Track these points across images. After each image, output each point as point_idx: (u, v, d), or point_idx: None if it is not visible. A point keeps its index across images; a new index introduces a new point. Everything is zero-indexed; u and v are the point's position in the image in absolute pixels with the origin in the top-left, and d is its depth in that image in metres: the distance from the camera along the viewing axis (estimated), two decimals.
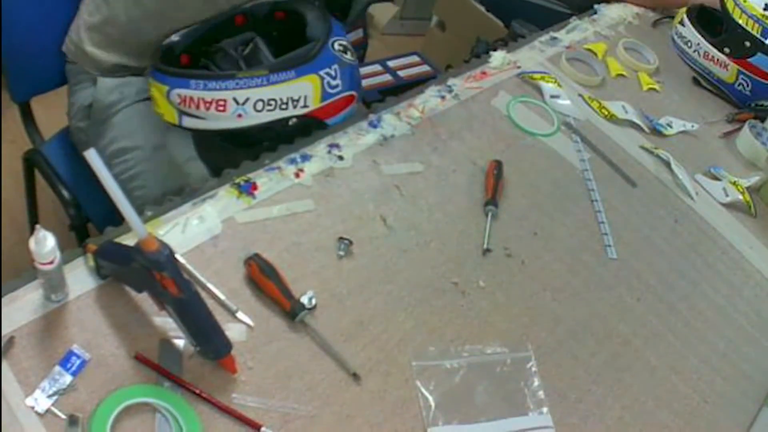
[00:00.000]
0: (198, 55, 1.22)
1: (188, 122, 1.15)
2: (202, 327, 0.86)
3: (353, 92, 1.21)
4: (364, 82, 1.96)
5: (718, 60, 1.66)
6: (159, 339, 0.90)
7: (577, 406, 1.01)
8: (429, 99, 1.37)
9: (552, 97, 1.47)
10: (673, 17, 1.83)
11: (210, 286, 0.97)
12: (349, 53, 1.19)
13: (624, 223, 1.29)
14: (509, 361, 1.02)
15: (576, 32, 1.70)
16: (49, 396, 0.81)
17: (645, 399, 1.06)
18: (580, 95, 1.52)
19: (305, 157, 1.18)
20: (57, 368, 0.84)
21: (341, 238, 1.08)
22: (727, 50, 1.64)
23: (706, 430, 1.07)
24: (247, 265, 0.99)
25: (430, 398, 0.96)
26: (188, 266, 0.98)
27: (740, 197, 1.42)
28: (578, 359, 1.07)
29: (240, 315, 0.95)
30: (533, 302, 1.11)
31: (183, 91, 1.12)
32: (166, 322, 0.90)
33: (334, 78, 1.17)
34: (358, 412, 0.92)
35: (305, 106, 1.16)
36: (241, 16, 1.23)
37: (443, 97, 1.38)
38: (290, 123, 1.16)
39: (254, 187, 1.10)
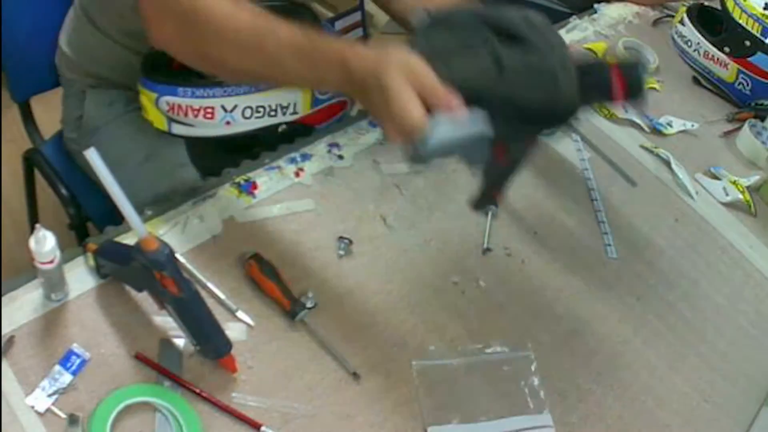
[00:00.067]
0: None
1: (177, 129, 1.14)
2: (202, 326, 0.86)
3: (345, 98, 1.20)
4: None
5: (718, 59, 1.66)
6: (159, 338, 0.90)
7: (577, 405, 1.01)
8: None
9: None
10: (673, 16, 1.83)
11: (210, 285, 0.97)
12: None
13: (624, 223, 1.29)
14: (509, 361, 1.01)
15: (576, 32, 1.70)
16: (49, 395, 0.81)
17: (645, 398, 1.06)
18: None
19: (305, 157, 1.18)
20: (57, 367, 0.84)
21: (341, 238, 1.08)
22: (727, 49, 1.64)
23: (706, 429, 1.07)
24: (247, 265, 0.99)
25: (430, 398, 0.96)
26: (188, 265, 0.98)
27: (740, 196, 1.42)
28: (578, 358, 1.07)
29: (240, 314, 0.95)
30: (533, 302, 1.11)
31: (171, 99, 1.11)
32: (166, 321, 0.90)
33: None
34: (358, 412, 0.92)
35: (295, 112, 1.15)
36: None
37: None
38: (279, 130, 1.16)
39: (254, 186, 1.10)
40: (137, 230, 0.78)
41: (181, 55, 1.00)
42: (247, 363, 0.91)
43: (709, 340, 1.18)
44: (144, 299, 0.90)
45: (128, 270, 0.86)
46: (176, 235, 1.01)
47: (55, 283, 0.88)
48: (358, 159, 1.20)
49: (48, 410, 0.81)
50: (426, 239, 1.13)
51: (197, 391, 0.86)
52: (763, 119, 1.58)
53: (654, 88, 1.63)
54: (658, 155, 1.45)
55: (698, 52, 1.70)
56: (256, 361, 0.92)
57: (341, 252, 1.07)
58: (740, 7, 1.58)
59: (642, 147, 1.46)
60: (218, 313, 0.89)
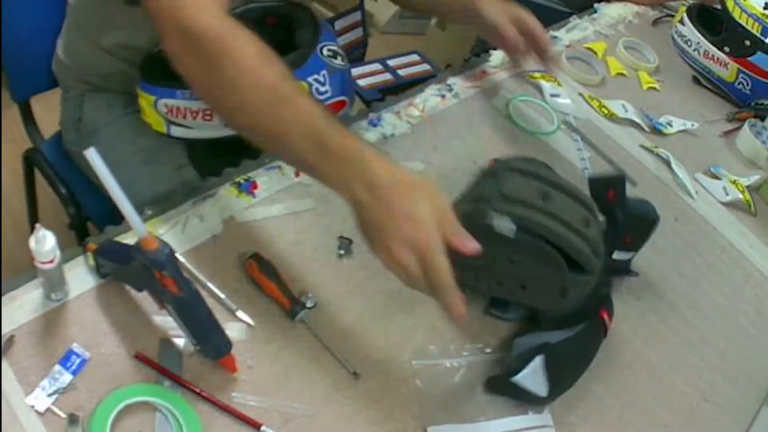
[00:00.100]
0: None
1: (176, 131, 1.14)
2: (202, 326, 0.86)
3: (344, 98, 1.19)
4: (364, 81, 1.95)
5: (718, 59, 1.66)
6: (159, 338, 0.90)
7: (577, 404, 1.01)
8: (429, 98, 1.37)
9: (552, 96, 1.47)
10: (673, 16, 1.83)
11: (210, 285, 0.97)
12: (339, 58, 1.18)
13: None
14: (507, 359, 1.01)
15: (576, 31, 1.70)
16: (49, 395, 0.81)
17: (645, 398, 1.06)
18: (580, 94, 1.52)
19: None
20: (57, 367, 0.84)
21: (341, 237, 1.07)
22: (727, 49, 1.64)
23: (706, 429, 1.07)
24: (247, 264, 0.99)
25: (430, 397, 0.96)
26: (188, 265, 0.98)
27: (740, 196, 1.42)
28: None
29: (240, 314, 0.95)
30: None
31: (170, 101, 1.11)
32: (166, 321, 0.90)
33: (323, 84, 1.16)
34: (358, 411, 0.92)
35: None
36: None
37: (443, 96, 1.38)
38: None
39: (254, 186, 1.10)
40: (137, 230, 0.78)
41: (197, 88, 0.94)
42: (247, 363, 0.91)
43: (709, 340, 1.18)
44: (144, 299, 0.90)
45: (128, 270, 0.86)
46: (176, 235, 1.01)
47: (55, 283, 0.88)
48: None
49: (48, 410, 0.81)
50: None
51: (197, 390, 0.86)
52: (763, 119, 1.58)
53: (654, 88, 1.63)
54: (658, 155, 1.45)
55: (698, 51, 1.70)
56: (256, 361, 0.92)
57: (341, 252, 1.07)
58: (740, 7, 1.58)
59: (642, 146, 1.46)
60: (218, 313, 0.89)
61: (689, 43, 1.72)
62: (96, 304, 0.91)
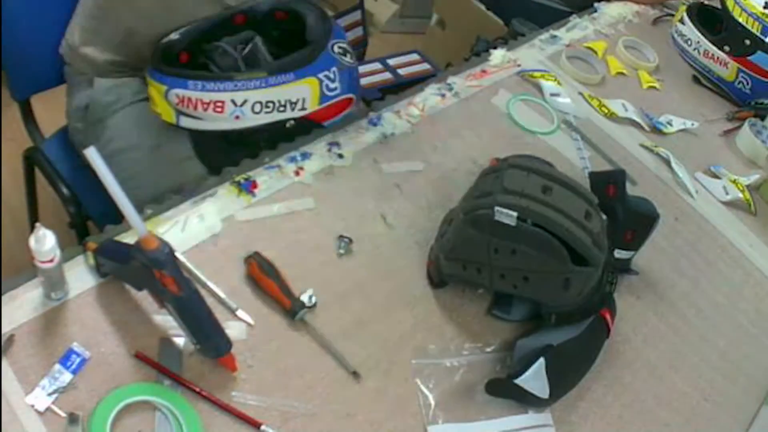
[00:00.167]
0: (197, 53, 1.22)
1: (186, 122, 1.15)
2: (202, 325, 0.86)
3: (352, 95, 1.20)
4: (364, 81, 1.95)
5: (718, 58, 1.66)
6: (159, 337, 0.90)
7: (577, 404, 1.01)
8: (429, 97, 1.37)
9: (552, 95, 1.46)
10: (673, 15, 1.83)
11: (210, 284, 0.97)
12: (348, 56, 1.19)
13: None
14: (509, 360, 1.01)
15: (576, 30, 1.70)
16: (49, 394, 0.81)
17: (645, 397, 1.06)
18: (580, 93, 1.52)
19: (305, 156, 1.17)
20: (57, 366, 0.84)
21: (341, 237, 1.08)
22: (727, 48, 1.64)
23: (706, 428, 1.07)
24: (247, 264, 0.99)
25: (430, 396, 0.96)
26: (188, 264, 0.98)
27: (740, 195, 1.42)
28: None
29: (240, 313, 0.95)
30: None
31: (181, 92, 1.11)
32: (166, 320, 0.90)
33: (333, 81, 1.16)
34: (358, 411, 0.92)
35: (303, 108, 1.15)
36: (241, 15, 1.23)
37: (443, 96, 1.38)
38: (287, 125, 1.16)
39: (254, 185, 1.10)
40: (137, 229, 0.78)
41: None
42: (247, 362, 0.91)
43: (709, 339, 1.18)
44: (144, 298, 0.90)
45: (128, 269, 0.86)
46: (176, 234, 1.01)
47: (55, 282, 0.88)
48: (358, 158, 1.20)
49: (48, 409, 0.81)
50: (426, 238, 1.12)
51: (197, 389, 0.86)
52: (762, 118, 1.58)
53: (654, 87, 1.63)
54: (658, 154, 1.45)
55: (698, 50, 1.70)
56: (256, 360, 0.92)
57: (341, 251, 1.07)
58: (740, 6, 1.58)
59: (642, 146, 1.46)
60: (218, 312, 0.89)
61: (689, 43, 1.72)
62: (96, 304, 0.91)
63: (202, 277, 0.97)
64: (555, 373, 0.94)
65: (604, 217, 1.01)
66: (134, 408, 0.83)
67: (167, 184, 1.17)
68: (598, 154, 1.40)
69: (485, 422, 0.96)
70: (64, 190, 1.42)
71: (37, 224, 0.81)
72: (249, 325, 0.95)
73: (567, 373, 0.98)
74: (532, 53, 1.58)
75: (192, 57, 1.21)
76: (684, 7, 1.77)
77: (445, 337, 1.03)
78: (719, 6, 1.65)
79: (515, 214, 0.92)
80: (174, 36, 1.18)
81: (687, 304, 1.21)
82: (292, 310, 0.96)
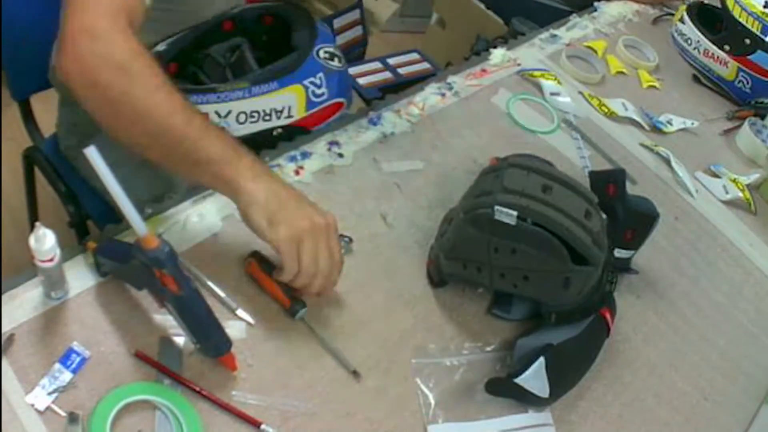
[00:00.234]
0: (186, 62, 1.21)
1: None
2: (202, 324, 0.86)
3: (341, 99, 1.19)
4: (364, 80, 1.95)
5: (718, 57, 1.66)
6: (159, 336, 0.90)
7: (577, 403, 1.01)
8: (429, 96, 1.36)
9: (552, 94, 1.46)
10: (673, 14, 1.83)
11: (210, 283, 0.97)
12: (336, 60, 1.18)
13: None
14: (509, 359, 1.01)
15: (576, 30, 1.70)
16: (49, 393, 0.81)
17: (645, 396, 1.06)
18: (580, 92, 1.52)
19: (305, 155, 1.17)
20: (57, 365, 0.84)
21: (341, 236, 1.07)
22: (727, 47, 1.64)
23: (706, 427, 1.07)
24: (247, 263, 0.99)
25: (430, 396, 0.96)
26: (188, 264, 0.98)
27: (740, 194, 1.42)
28: None
29: (240, 312, 0.95)
30: None
31: None
32: (166, 319, 0.90)
33: (320, 86, 1.16)
34: (358, 410, 0.92)
35: (289, 116, 1.15)
36: (229, 22, 1.21)
37: (443, 95, 1.38)
38: (274, 133, 1.16)
39: None
40: (137, 228, 0.78)
41: (92, 99, 0.94)
42: (247, 361, 0.91)
43: (709, 339, 1.18)
44: (144, 297, 0.90)
45: (128, 268, 0.86)
46: (176, 233, 1.01)
47: (55, 281, 0.88)
48: (358, 157, 1.20)
49: (48, 408, 0.81)
50: (426, 237, 1.12)
51: (197, 389, 0.86)
52: (762, 117, 1.58)
53: (654, 87, 1.63)
54: (658, 153, 1.45)
55: (698, 50, 1.70)
56: (256, 359, 0.92)
57: (341, 250, 1.06)
58: (740, 6, 1.58)
59: (642, 145, 1.46)
60: (218, 312, 0.89)
61: (689, 42, 1.72)
62: (96, 303, 0.91)
63: (202, 277, 0.97)
64: (555, 373, 0.94)
65: (604, 216, 1.01)
66: (134, 407, 0.83)
67: (158, 194, 1.17)
68: (598, 153, 1.40)
69: (485, 421, 0.96)
70: (64, 190, 1.42)
71: (37, 223, 0.81)
72: (249, 324, 0.95)
73: (567, 372, 0.98)
74: (532, 52, 1.58)
75: (181, 67, 1.20)
76: (684, 7, 1.76)
77: (445, 336, 1.03)
78: (719, 5, 1.64)
79: (515, 213, 0.92)
80: (161, 47, 1.17)
81: (687, 303, 1.21)
82: (292, 309, 0.96)
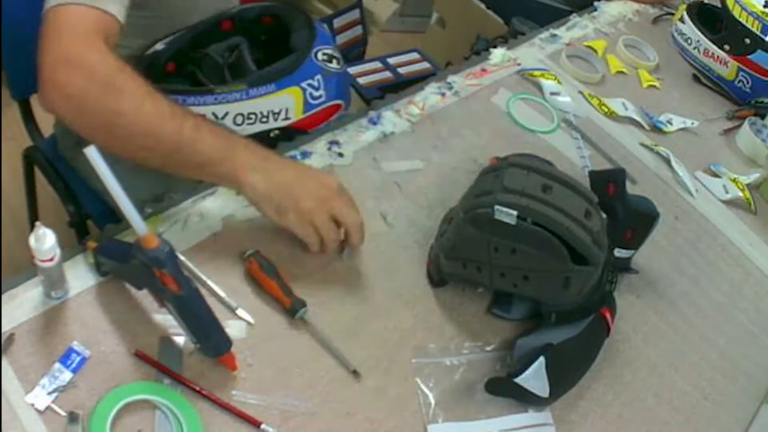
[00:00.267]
0: (185, 61, 1.21)
1: None
2: (202, 324, 0.86)
3: (339, 101, 1.19)
4: (364, 79, 1.95)
5: (718, 57, 1.66)
6: (159, 336, 0.90)
7: (577, 402, 1.01)
8: (429, 96, 1.36)
9: (552, 94, 1.46)
10: (673, 14, 1.83)
11: (210, 283, 0.97)
12: (334, 61, 1.18)
13: None
14: (509, 359, 1.01)
15: (576, 29, 1.70)
16: (49, 393, 0.81)
17: (645, 396, 1.06)
18: (580, 92, 1.52)
19: (305, 154, 1.18)
20: (57, 365, 0.84)
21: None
22: (727, 47, 1.64)
23: (706, 427, 1.07)
24: (247, 263, 0.99)
25: (430, 395, 0.96)
26: (188, 263, 0.98)
27: (740, 194, 1.42)
28: None
29: (240, 312, 0.95)
30: None
31: None
32: (166, 319, 0.90)
33: (317, 89, 1.16)
34: (358, 409, 0.92)
35: (287, 118, 1.15)
36: (228, 21, 1.21)
37: (443, 95, 1.38)
38: (272, 135, 1.16)
39: None
40: (137, 228, 0.78)
41: (82, 122, 0.94)
42: (247, 361, 0.91)
43: (709, 338, 1.18)
44: (144, 297, 0.90)
45: (128, 268, 0.86)
46: (176, 233, 1.01)
47: (55, 281, 0.88)
48: (358, 157, 1.20)
49: (48, 408, 0.81)
50: (426, 237, 1.12)
51: (197, 388, 0.86)
52: (762, 117, 1.58)
53: (654, 86, 1.63)
54: (658, 153, 1.45)
55: (698, 49, 1.70)
56: (256, 359, 0.92)
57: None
58: (740, 5, 1.58)
59: (642, 144, 1.46)
60: (218, 311, 0.89)
61: (689, 41, 1.72)
62: (96, 303, 0.91)
63: (202, 276, 0.97)
64: (555, 372, 0.94)
65: (604, 215, 1.01)
66: (134, 407, 0.83)
67: (157, 194, 1.17)
68: (598, 152, 1.40)
69: (485, 421, 0.96)
70: (64, 189, 1.42)
71: (37, 223, 0.81)
72: (249, 323, 0.95)
73: (567, 371, 0.98)
74: (532, 52, 1.58)
75: (179, 66, 1.20)
76: (684, 6, 1.76)
77: (445, 335, 1.03)
78: (719, 5, 1.64)
79: (515, 212, 0.92)
80: (159, 46, 1.17)
81: (687, 302, 1.21)
82: (292, 309, 0.96)
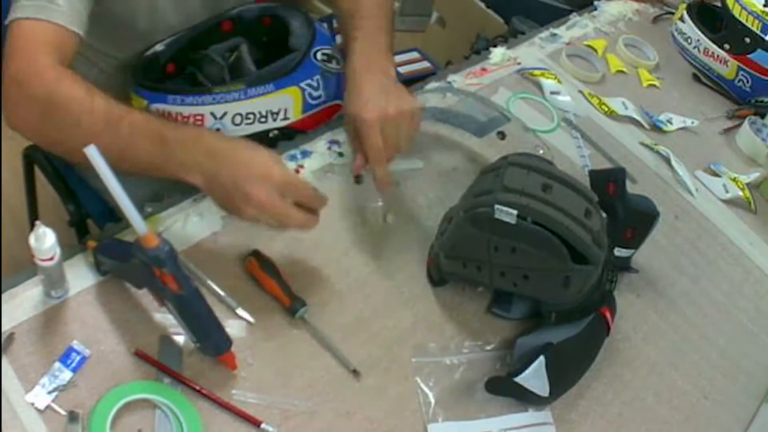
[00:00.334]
0: (185, 62, 1.21)
1: None
2: (202, 323, 0.86)
3: (338, 102, 1.19)
4: None
5: (718, 56, 1.66)
6: (159, 335, 0.90)
7: (577, 402, 1.01)
8: (429, 95, 1.36)
9: (552, 93, 1.46)
10: (673, 13, 1.83)
11: (210, 282, 0.97)
12: (334, 62, 1.18)
13: None
14: (509, 358, 1.01)
15: (576, 29, 1.70)
16: (49, 392, 0.81)
17: (645, 395, 1.06)
18: (580, 91, 1.52)
19: (305, 154, 1.18)
20: (57, 364, 0.84)
21: (341, 235, 1.07)
22: (727, 46, 1.64)
23: (706, 426, 1.07)
24: (247, 262, 1.00)
25: (430, 395, 0.96)
26: (188, 263, 0.98)
27: (740, 193, 1.42)
28: None
29: (240, 311, 0.95)
30: None
31: (161, 106, 1.11)
32: (166, 318, 0.90)
33: (317, 89, 1.16)
34: (358, 409, 0.92)
35: (286, 118, 1.15)
36: (228, 22, 1.21)
37: (443, 94, 1.38)
38: (270, 135, 1.16)
39: None
40: (137, 227, 0.78)
41: (38, 139, 1.00)
42: (247, 360, 0.91)
43: (709, 337, 1.18)
44: (144, 296, 0.90)
45: (128, 267, 0.86)
46: (176, 232, 1.01)
47: (55, 280, 0.88)
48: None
49: (48, 407, 0.81)
50: (426, 236, 1.12)
51: (197, 388, 0.86)
52: (763, 116, 1.58)
53: (654, 85, 1.63)
54: (658, 152, 1.44)
55: (698, 49, 1.70)
56: (256, 358, 0.92)
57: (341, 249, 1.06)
58: (740, 4, 1.58)
59: (642, 144, 1.46)
60: (218, 311, 0.89)
61: (689, 41, 1.72)
62: (96, 302, 0.91)
63: (202, 276, 0.97)
64: (555, 371, 0.94)
65: (604, 215, 1.01)
66: (134, 406, 0.83)
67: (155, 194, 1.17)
68: (598, 152, 1.39)
69: (485, 420, 0.96)
70: (64, 189, 1.42)
71: (37, 222, 0.81)
72: (249, 323, 0.95)
73: (567, 371, 0.98)
74: (532, 51, 1.57)
75: (179, 67, 1.20)
76: (684, 5, 1.76)
77: (445, 335, 1.03)
78: (719, 4, 1.64)
79: (515, 212, 0.92)
80: (159, 47, 1.17)
81: (687, 302, 1.21)
82: (292, 308, 0.96)
